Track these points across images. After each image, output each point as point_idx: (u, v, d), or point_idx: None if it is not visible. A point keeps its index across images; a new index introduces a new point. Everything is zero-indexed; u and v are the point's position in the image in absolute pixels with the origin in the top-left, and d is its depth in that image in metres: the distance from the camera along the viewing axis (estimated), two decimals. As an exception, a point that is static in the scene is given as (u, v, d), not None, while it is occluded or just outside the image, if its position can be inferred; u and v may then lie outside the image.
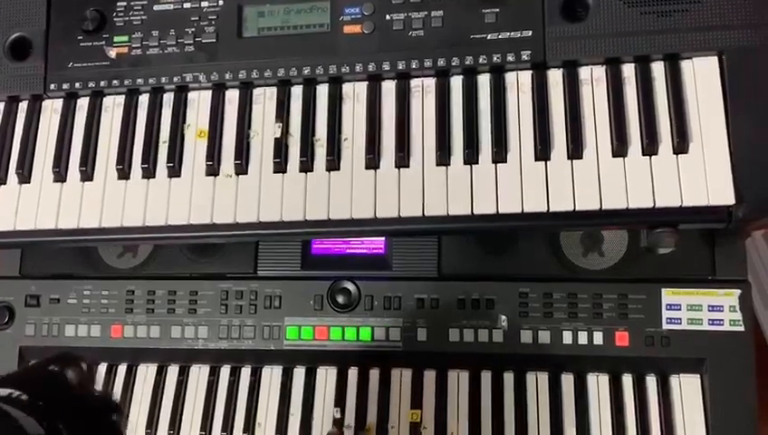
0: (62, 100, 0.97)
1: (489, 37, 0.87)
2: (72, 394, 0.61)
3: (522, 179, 0.84)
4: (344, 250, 1.09)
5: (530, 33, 0.87)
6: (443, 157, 0.86)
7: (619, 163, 0.83)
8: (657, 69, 0.85)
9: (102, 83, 0.95)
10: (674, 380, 0.98)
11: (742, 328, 0.96)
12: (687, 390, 0.97)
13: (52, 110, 0.97)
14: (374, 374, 1.04)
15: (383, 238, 1.07)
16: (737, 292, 0.97)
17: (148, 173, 0.92)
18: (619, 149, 0.83)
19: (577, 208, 0.82)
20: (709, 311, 0.97)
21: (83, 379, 0.63)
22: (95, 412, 0.61)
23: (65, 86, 0.96)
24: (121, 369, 1.09)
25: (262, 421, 1.04)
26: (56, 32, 0.97)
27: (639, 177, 0.82)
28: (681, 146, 0.82)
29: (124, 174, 0.93)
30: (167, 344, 1.06)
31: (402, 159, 0.87)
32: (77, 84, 0.95)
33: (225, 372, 1.07)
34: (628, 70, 0.86)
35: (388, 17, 0.90)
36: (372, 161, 0.87)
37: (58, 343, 1.09)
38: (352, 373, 1.04)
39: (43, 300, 1.10)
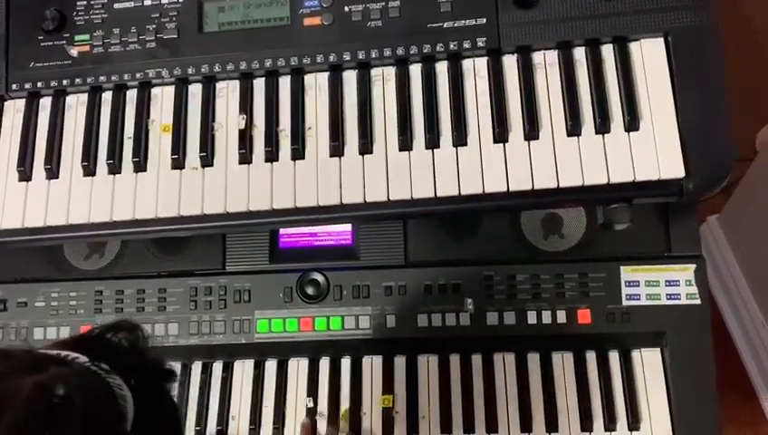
0: (24, 99, 0.97)
1: (445, 26, 0.90)
2: (134, 358, 0.61)
3: (482, 161, 0.87)
4: (312, 242, 1.10)
5: (484, 20, 0.89)
6: (405, 142, 0.88)
7: (574, 142, 0.86)
8: (607, 51, 0.89)
9: (65, 82, 0.96)
10: (635, 354, 1.01)
11: (698, 301, 1.00)
12: (649, 363, 1.00)
13: (14, 109, 0.97)
14: (345, 363, 1.05)
15: (350, 229, 1.08)
16: (692, 266, 1.01)
17: (114, 169, 0.93)
18: (574, 128, 0.86)
19: (535, 187, 0.85)
20: (666, 286, 1.01)
21: (142, 345, 0.63)
22: (155, 377, 0.62)
23: (27, 86, 0.96)
24: (92, 369, 1.09)
25: (235, 414, 1.04)
26: (16, 32, 0.97)
27: (594, 155, 0.85)
28: (632, 124, 0.85)
29: (90, 171, 0.93)
30: (137, 342, 1.06)
31: (365, 146, 0.89)
32: (39, 84, 0.96)
33: (196, 367, 1.08)
34: (580, 53, 0.89)
35: (346, 8, 0.92)
36: (336, 149, 0.89)
37: (27, 346, 1.08)
38: (324, 363, 1.06)
39: (11, 304, 1.09)
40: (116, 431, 0.52)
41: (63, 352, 0.55)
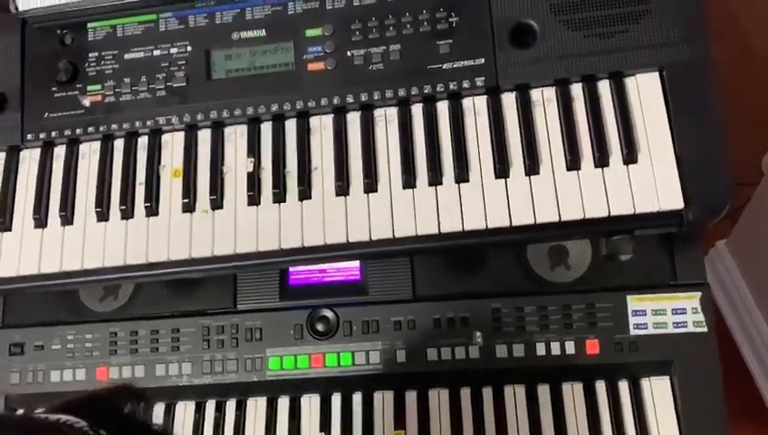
0: (39, 149, 1.00)
1: (445, 67, 0.93)
2: (133, 427, 0.61)
3: (484, 197, 0.89)
4: (321, 279, 1.12)
5: (482, 61, 0.92)
6: (408, 180, 0.91)
7: (574, 176, 0.88)
8: (603, 87, 0.91)
9: (78, 131, 0.99)
10: (645, 383, 1.01)
11: (705, 328, 1.00)
12: (658, 391, 1.01)
13: (30, 159, 1.00)
14: (357, 399, 1.06)
15: (358, 266, 1.10)
16: (698, 294, 1.01)
17: (127, 214, 0.96)
18: (573, 163, 0.88)
19: (537, 221, 0.87)
20: (673, 314, 1.01)
21: (142, 412, 0.63)
22: None
23: (42, 135, 0.99)
24: (108, 410, 1.10)
25: (249, 452, 1.05)
26: (31, 84, 1.01)
27: (593, 188, 0.87)
28: (630, 157, 0.87)
29: (103, 216, 0.96)
30: (152, 383, 1.07)
31: (370, 185, 0.91)
32: (53, 133, 0.99)
33: (210, 406, 1.09)
34: (577, 89, 0.91)
35: (348, 53, 0.95)
36: (342, 188, 0.92)
37: (44, 389, 1.09)
38: (335, 399, 1.07)
39: (28, 347, 1.11)
40: None
41: (63, 417, 0.55)
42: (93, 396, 0.63)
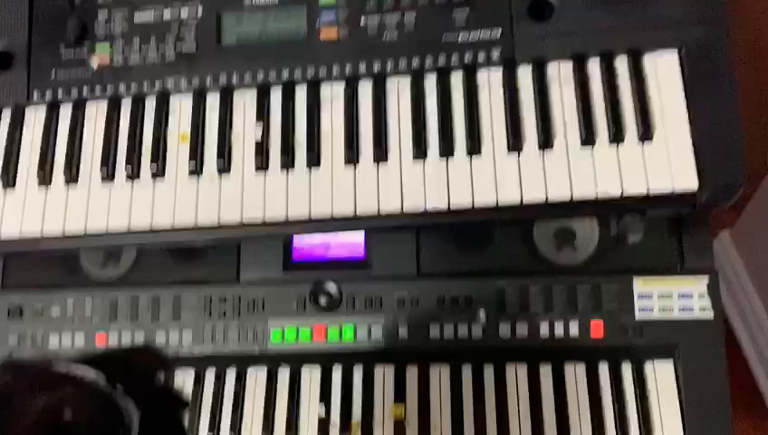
0: (44, 108, 0.99)
1: (460, 38, 0.91)
2: (150, 384, 0.60)
3: (495, 171, 0.87)
4: (325, 253, 1.11)
5: (499, 33, 0.91)
6: (419, 152, 0.89)
7: (588, 152, 0.87)
8: (621, 63, 0.89)
9: (85, 92, 0.97)
10: (648, 366, 1.01)
11: (711, 314, 1.00)
12: (661, 375, 1.00)
13: (35, 118, 0.99)
14: (357, 373, 1.05)
15: (363, 241, 1.09)
16: (705, 279, 1.01)
17: (132, 176, 0.94)
18: (588, 138, 0.86)
19: (549, 197, 0.86)
20: (679, 299, 1.00)
21: (160, 371, 0.62)
22: (168, 406, 0.61)
23: (48, 94, 0.98)
24: (106, 377, 1.09)
25: (248, 423, 1.04)
26: (38, 42, 0.99)
27: (607, 165, 0.85)
28: (646, 134, 0.86)
29: (108, 177, 0.95)
30: (151, 350, 1.07)
31: (380, 155, 0.90)
32: (60, 93, 0.97)
33: (209, 376, 1.08)
34: (594, 65, 0.90)
35: (362, 22, 0.93)
36: (351, 158, 0.90)
37: (46, 359, 1.08)
38: (336, 372, 1.06)
39: (27, 311, 1.10)
40: None
41: (80, 370, 0.55)
42: (112, 353, 0.62)
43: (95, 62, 0.98)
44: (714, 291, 1.00)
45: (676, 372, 1.00)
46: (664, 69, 0.88)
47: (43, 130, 0.97)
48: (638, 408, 0.99)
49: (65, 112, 0.99)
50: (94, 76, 0.98)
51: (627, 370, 1.01)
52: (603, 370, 1.01)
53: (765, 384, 1.68)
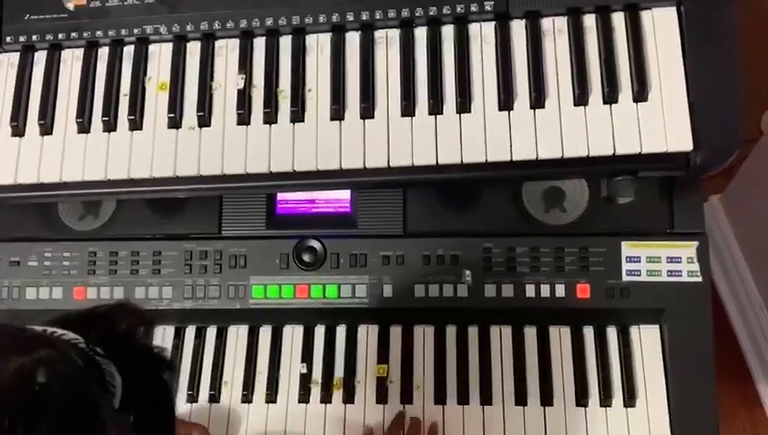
0: (18, 53, 0.95)
1: (452, -12, 0.88)
2: (131, 344, 0.58)
3: (485, 129, 0.85)
4: (309, 209, 1.09)
5: (492, -16, 0.87)
6: (407, 107, 0.86)
7: (581, 112, 0.84)
8: (618, 19, 0.86)
9: (60, 36, 0.93)
10: (634, 330, 1.00)
11: (699, 279, 0.98)
12: (647, 340, 1.00)
13: (8, 63, 0.95)
14: (341, 331, 1.04)
15: (348, 197, 1.07)
16: (695, 244, 0.99)
17: (109, 126, 0.91)
18: (581, 97, 0.84)
19: (540, 157, 0.83)
20: (668, 262, 0.99)
21: (142, 330, 0.60)
22: (151, 366, 0.59)
23: (22, 39, 0.93)
24: (85, 331, 1.08)
25: (228, 380, 1.03)
26: (12, -17, 0.95)
27: (600, 125, 0.83)
28: (641, 94, 0.83)
29: (84, 127, 0.91)
30: (130, 305, 1.05)
31: (367, 110, 0.87)
32: (34, 37, 0.93)
33: (190, 332, 1.07)
34: (590, 20, 0.87)
35: (351, -33, 0.90)
36: (337, 112, 0.87)
37: (19, 305, 1.06)
38: (319, 331, 1.05)
39: (3, 263, 1.08)
40: (98, 421, 0.48)
41: (59, 331, 0.53)
42: (91, 312, 0.60)
43: (71, 5, 0.93)
44: (703, 255, 0.99)
45: (661, 336, 1.00)
46: (662, 26, 0.85)
47: (17, 76, 0.93)
48: (622, 372, 0.98)
49: (40, 57, 0.95)
50: (70, 19, 0.93)
51: (612, 333, 1.01)
52: (588, 333, 1.01)
53: (747, 347, 1.69)
